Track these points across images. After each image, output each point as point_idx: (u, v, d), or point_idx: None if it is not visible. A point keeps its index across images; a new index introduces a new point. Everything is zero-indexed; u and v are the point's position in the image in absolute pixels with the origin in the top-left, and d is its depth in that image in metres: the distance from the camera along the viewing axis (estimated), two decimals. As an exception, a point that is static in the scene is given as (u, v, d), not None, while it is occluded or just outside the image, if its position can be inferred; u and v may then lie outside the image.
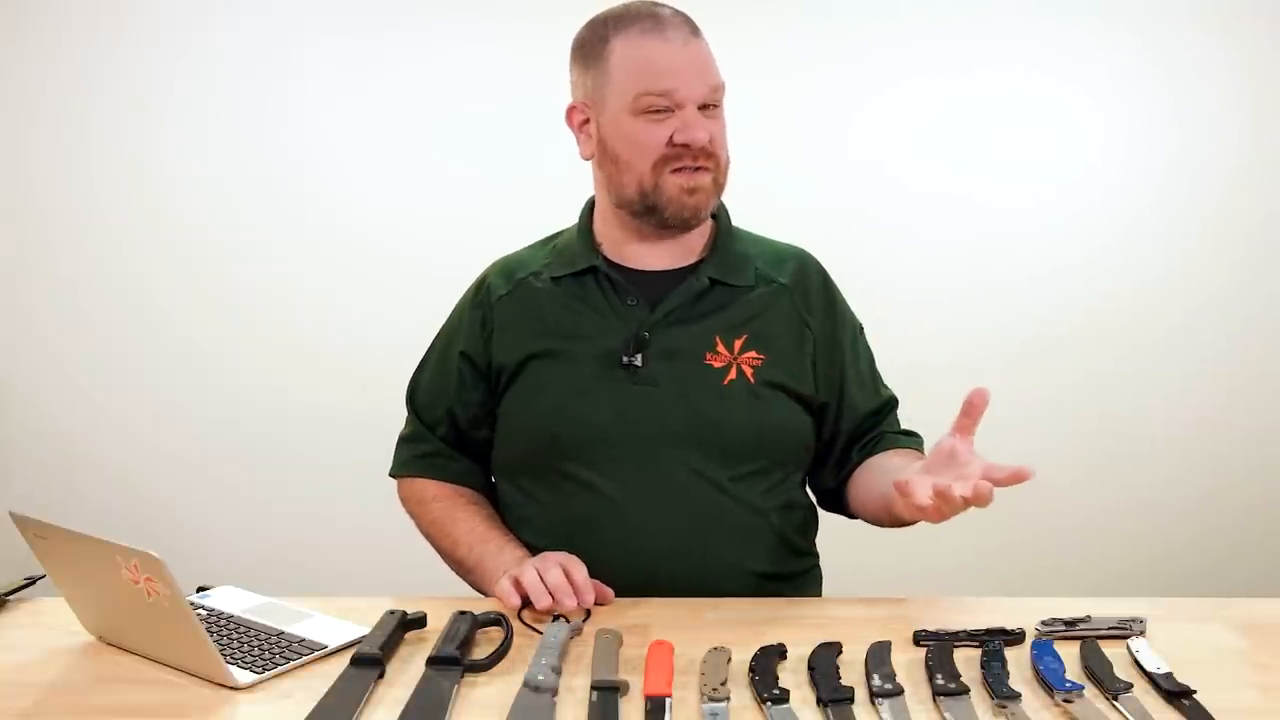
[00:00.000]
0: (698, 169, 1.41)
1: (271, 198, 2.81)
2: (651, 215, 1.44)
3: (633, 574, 1.40)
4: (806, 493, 1.57)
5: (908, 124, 2.79)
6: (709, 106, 1.41)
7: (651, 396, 1.44)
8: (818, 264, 1.57)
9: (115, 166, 2.80)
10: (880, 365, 1.61)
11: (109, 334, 2.84)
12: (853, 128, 2.79)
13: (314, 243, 2.81)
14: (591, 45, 1.44)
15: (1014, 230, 2.82)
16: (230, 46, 2.78)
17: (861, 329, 1.59)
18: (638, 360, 1.44)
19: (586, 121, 1.46)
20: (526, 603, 1.32)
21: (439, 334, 1.61)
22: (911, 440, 1.56)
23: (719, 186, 1.46)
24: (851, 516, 1.57)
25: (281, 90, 2.80)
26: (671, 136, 1.39)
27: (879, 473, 1.47)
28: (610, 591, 1.37)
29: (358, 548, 2.73)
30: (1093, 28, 2.76)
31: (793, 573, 1.52)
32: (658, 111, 1.39)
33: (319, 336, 2.83)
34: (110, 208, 2.81)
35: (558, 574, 1.33)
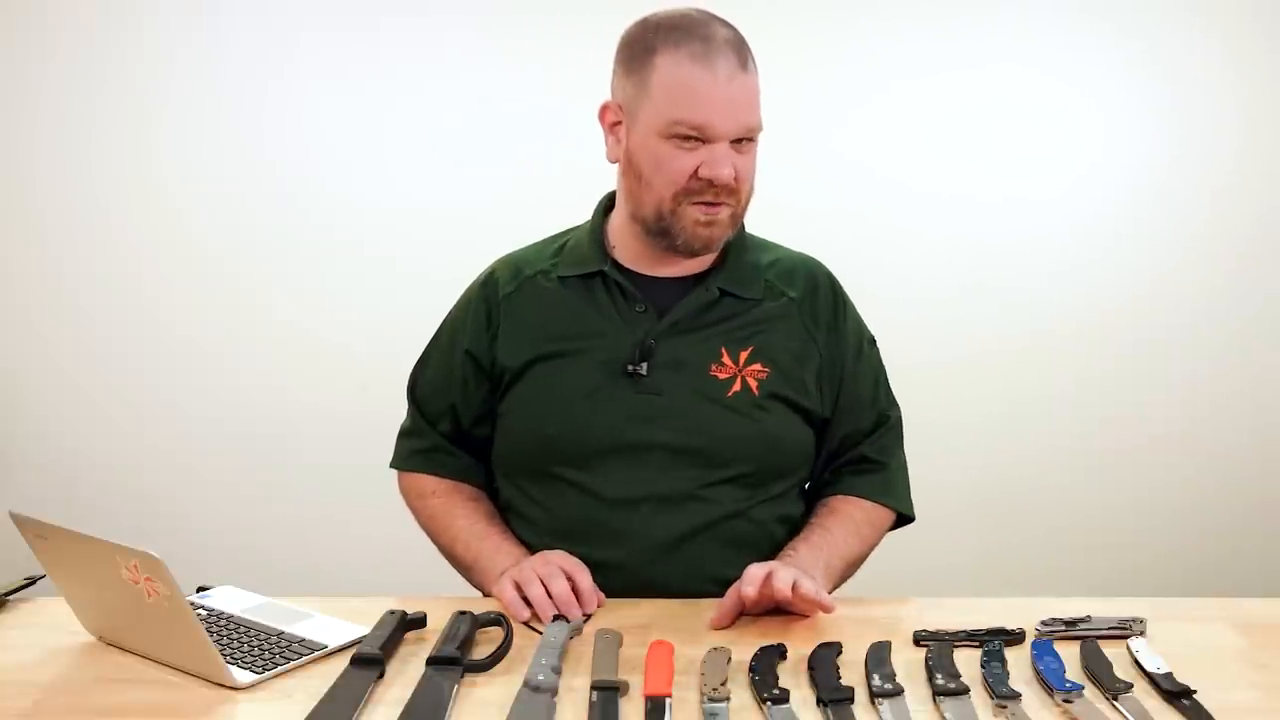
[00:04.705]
0: (718, 203, 1.39)
1: (271, 198, 2.81)
2: (663, 238, 1.43)
3: (628, 581, 1.40)
4: (803, 502, 1.56)
5: (906, 124, 2.79)
6: (742, 140, 1.38)
7: (654, 405, 1.43)
8: (829, 276, 1.56)
9: (115, 166, 2.79)
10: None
11: (109, 334, 2.84)
12: (852, 127, 2.79)
13: (314, 243, 2.81)
14: (636, 51, 1.39)
15: (1014, 230, 2.81)
16: (229, 46, 2.77)
17: (872, 341, 1.58)
18: (643, 369, 1.44)
19: (618, 124, 1.43)
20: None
21: (442, 327, 1.60)
22: (865, 484, 1.53)
23: (736, 219, 1.44)
24: None
25: (280, 90, 2.79)
26: (698, 169, 1.36)
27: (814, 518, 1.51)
28: (603, 597, 1.36)
29: (358, 547, 2.73)
30: (1093, 28, 2.75)
31: None
32: (688, 140, 1.36)
33: (319, 336, 2.83)
34: (110, 208, 2.81)
35: (563, 584, 1.32)
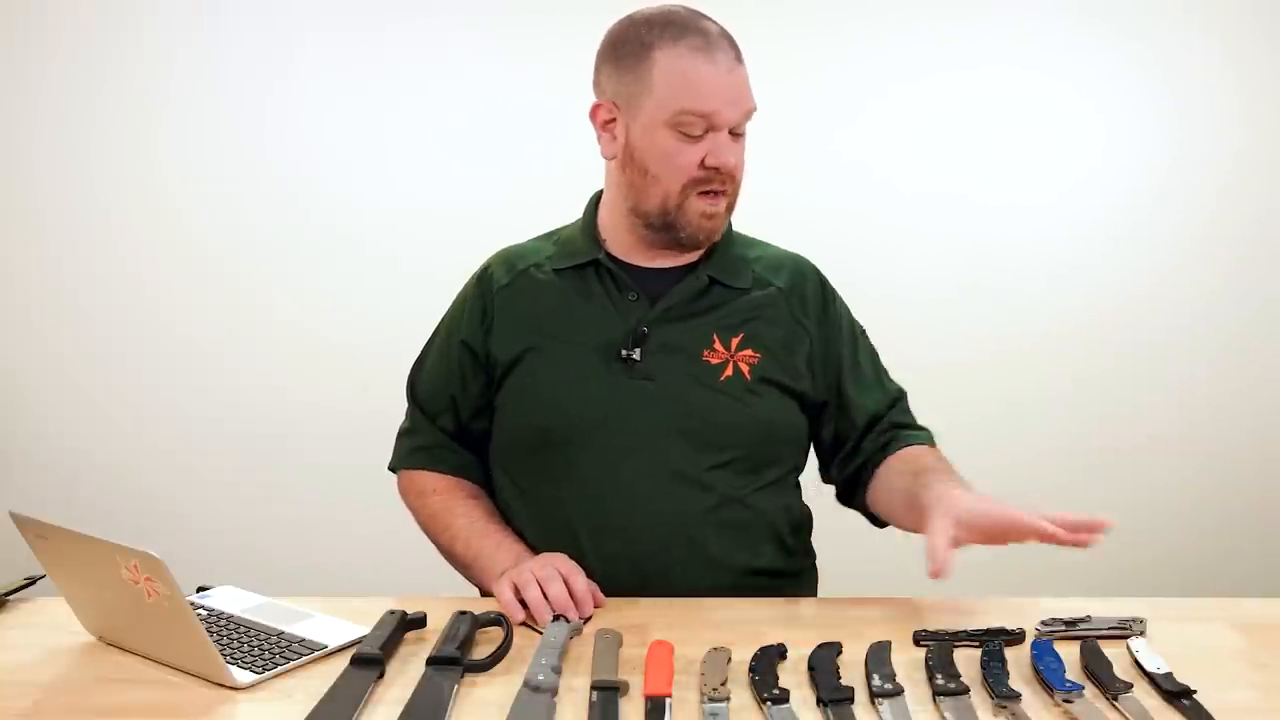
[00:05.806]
0: (720, 193, 1.42)
1: (271, 198, 2.81)
2: (667, 231, 1.45)
3: (624, 568, 1.40)
4: (801, 492, 1.57)
5: (904, 126, 2.79)
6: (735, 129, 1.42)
7: (648, 391, 1.44)
8: (814, 269, 1.58)
9: (115, 166, 2.80)
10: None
11: (109, 334, 2.84)
12: (852, 129, 2.79)
13: (314, 243, 2.81)
14: (629, 47, 1.41)
15: (1013, 232, 2.82)
16: (230, 46, 2.78)
17: (863, 331, 1.60)
18: (636, 354, 1.45)
19: (612, 121, 1.45)
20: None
21: (440, 324, 1.61)
22: (921, 435, 1.55)
23: (730, 210, 1.47)
24: (870, 515, 1.56)
25: (282, 90, 2.80)
26: (704, 159, 1.39)
27: (898, 475, 1.48)
28: (602, 597, 1.36)
29: (358, 547, 2.73)
30: (1092, 29, 2.76)
31: (786, 570, 1.51)
32: (692, 130, 1.38)
33: (320, 336, 2.83)
34: (110, 208, 2.81)
35: (559, 587, 1.32)
